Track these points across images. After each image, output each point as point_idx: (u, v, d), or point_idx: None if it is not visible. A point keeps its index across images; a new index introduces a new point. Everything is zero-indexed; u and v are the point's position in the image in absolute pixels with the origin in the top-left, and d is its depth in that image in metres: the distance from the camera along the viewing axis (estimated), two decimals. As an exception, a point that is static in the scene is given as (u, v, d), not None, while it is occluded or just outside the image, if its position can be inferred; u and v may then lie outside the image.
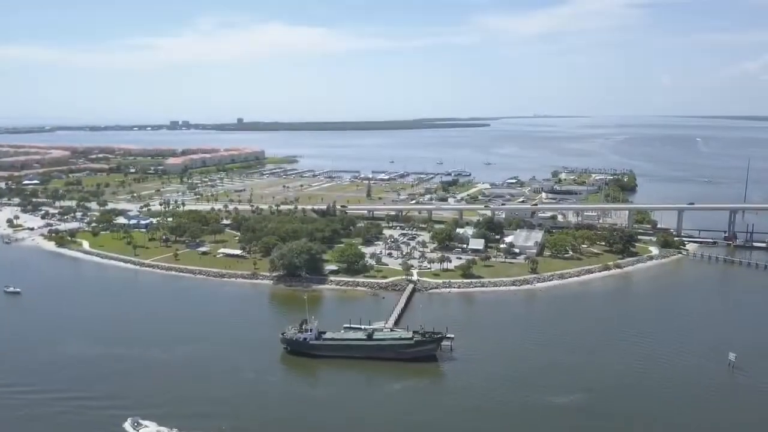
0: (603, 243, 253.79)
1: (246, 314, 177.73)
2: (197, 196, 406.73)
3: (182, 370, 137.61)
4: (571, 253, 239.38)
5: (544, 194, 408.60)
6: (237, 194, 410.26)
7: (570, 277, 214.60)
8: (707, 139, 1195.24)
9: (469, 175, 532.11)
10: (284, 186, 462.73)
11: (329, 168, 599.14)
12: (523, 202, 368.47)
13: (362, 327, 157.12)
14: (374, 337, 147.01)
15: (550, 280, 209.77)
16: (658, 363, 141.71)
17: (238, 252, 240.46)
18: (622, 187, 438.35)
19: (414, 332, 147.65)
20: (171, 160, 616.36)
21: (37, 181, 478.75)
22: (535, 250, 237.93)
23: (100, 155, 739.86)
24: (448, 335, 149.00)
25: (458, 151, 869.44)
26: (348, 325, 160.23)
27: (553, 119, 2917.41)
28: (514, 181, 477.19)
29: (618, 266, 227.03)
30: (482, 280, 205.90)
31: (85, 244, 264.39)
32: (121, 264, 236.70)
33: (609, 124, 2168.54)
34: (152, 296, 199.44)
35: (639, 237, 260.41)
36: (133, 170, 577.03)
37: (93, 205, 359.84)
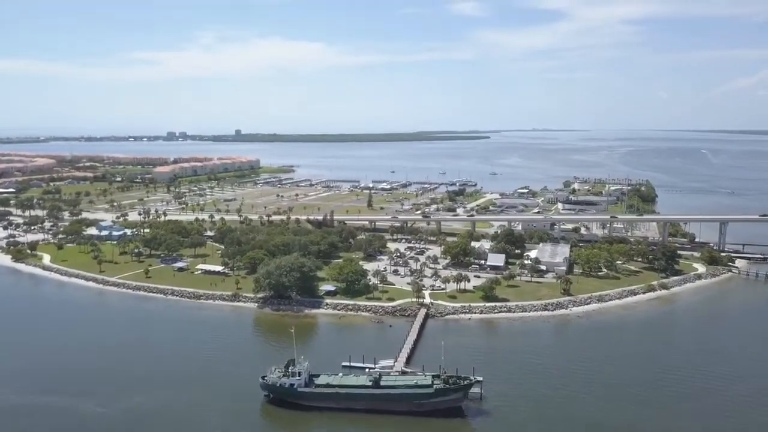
0: (639, 259, 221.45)
1: (221, 347, 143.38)
2: (182, 206, 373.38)
3: (121, 429, 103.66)
4: (605, 270, 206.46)
5: (560, 205, 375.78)
6: (226, 204, 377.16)
7: (610, 299, 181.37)
8: (713, 152, 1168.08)
9: (475, 185, 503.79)
10: (278, 195, 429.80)
11: (327, 177, 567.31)
12: (538, 213, 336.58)
13: (366, 367, 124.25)
14: (382, 383, 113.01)
15: (587, 304, 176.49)
16: (751, 420, 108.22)
17: (219, 268, 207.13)
18: (642, 197, 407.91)
19: (433, 376, 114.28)
20: (159, 169, 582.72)
21: (13, 190, 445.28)
22: (564, 267, 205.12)
23: (88, 164, 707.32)
24: (476, 378, 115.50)
25: (461, 161, 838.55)
26: (347, 364, 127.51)
27: (552, 132, 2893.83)
28: (525, 191, 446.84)
29: (664, 287, 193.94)
30: (508, 303, 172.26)
31: (46, 258, 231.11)
32: (83, 282, 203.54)
33: (609, 137, 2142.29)
34: (111, 323, 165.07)
35: (679, 252, 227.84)
36: (119, 179, 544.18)
37: (67, 215, 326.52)
